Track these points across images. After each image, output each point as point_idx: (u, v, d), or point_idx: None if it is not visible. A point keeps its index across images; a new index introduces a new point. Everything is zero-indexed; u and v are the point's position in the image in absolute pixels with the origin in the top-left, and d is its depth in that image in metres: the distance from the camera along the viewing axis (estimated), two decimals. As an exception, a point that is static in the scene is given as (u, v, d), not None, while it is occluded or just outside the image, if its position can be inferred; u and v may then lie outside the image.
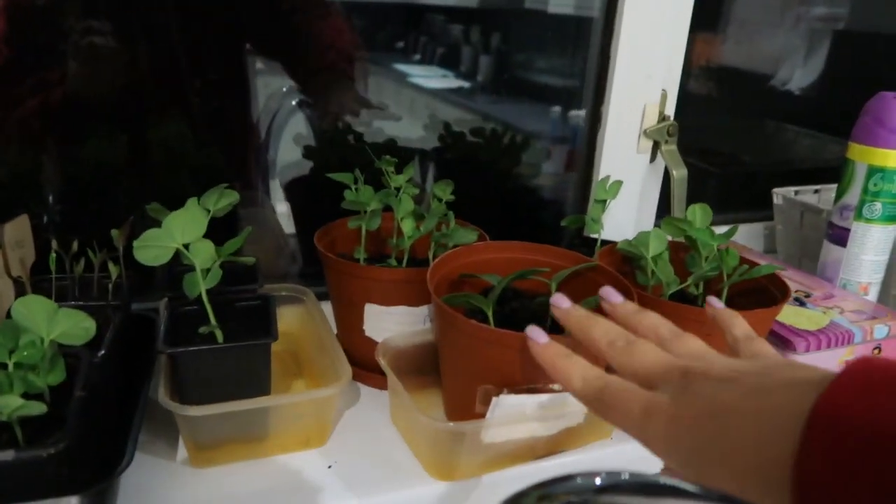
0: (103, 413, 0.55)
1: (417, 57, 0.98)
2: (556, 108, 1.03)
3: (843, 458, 0.29)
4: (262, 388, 0.58)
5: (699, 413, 0.35)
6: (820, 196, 1.05)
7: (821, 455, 0.29)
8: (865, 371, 0.31)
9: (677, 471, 0.36)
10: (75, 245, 0.64)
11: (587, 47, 0.93)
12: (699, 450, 0.34)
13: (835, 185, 0.90)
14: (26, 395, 0.44)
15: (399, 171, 0.73)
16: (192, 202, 0.57)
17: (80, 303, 0.61)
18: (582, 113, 0.97)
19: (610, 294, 0.47)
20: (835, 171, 0.90)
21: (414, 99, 1.01)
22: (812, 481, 0.29)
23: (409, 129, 0.97)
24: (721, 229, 0.70)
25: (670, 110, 0.92)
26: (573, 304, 0.46)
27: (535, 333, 0.45)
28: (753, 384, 0.34)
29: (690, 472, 0.36)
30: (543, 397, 0.57)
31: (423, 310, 0.69)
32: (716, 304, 0.48)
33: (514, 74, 1.01)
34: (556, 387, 0.58)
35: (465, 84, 1.01)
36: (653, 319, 0.44)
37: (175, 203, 0.57)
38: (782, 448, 0.31)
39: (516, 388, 0.56)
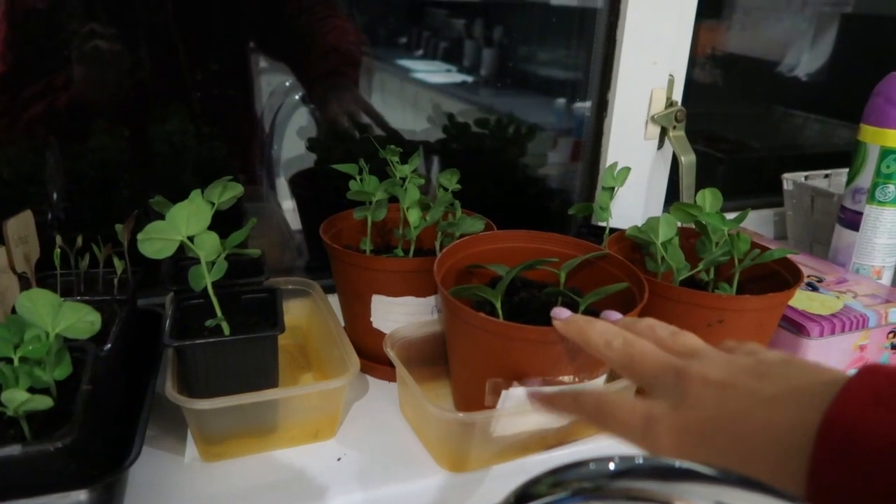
0: (110, 407, 0.54)
1: (420, 52, 0.97)
2: (561, 100, 1.02)
3: (857, 470, 0.28)
4: (270, 381, 0.58)
5: (703, 426, 0.35)
6: (830, 180, 1.03)
7: (834, 468, 0.29)
8: (872, 380, 0.30)
9: None
10: (80, 240, 0.64)
11: (591, 36, 0.92)
12: (708, 462, 0.34)
13: (845, 170, 0.89)
14: (32, 390, 0.44)
15: (404, 161, 0.72)
16: (195, 194, 0.56)
17: (86, 298, 0.61)
18: (587, 104, 0.96)
19: (609, 315, 0.50)
20: (844, 156, 0.88)
21: (418, 93, 1.00)
22: (827, 494, 0.29)
23: (414, 122, 0.97)
24: (731, 215, 0.69)
25: (678, 96, 0.91)
26: (572, 313, 0.49)
27: (558, 312, 0.49)
28: (757, 392, 0.34)
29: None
30: (553, 389, 0.56)
31: (431, 300, 0.68)
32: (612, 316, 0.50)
33: (518, 67, 1.00)
34: (566, 378, 0.57)
35: (469, 78, 1.01)
36: (649, 321, 0.44)
37: (180, 198, 0.56)
38: (795, 463, 0.30)
39: (526, 381, 0.56)
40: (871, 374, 0.30)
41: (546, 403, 0.44)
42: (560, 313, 0.49)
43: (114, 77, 0.78)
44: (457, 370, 0.63)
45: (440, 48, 0.99)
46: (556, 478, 0.39)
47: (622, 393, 0.39)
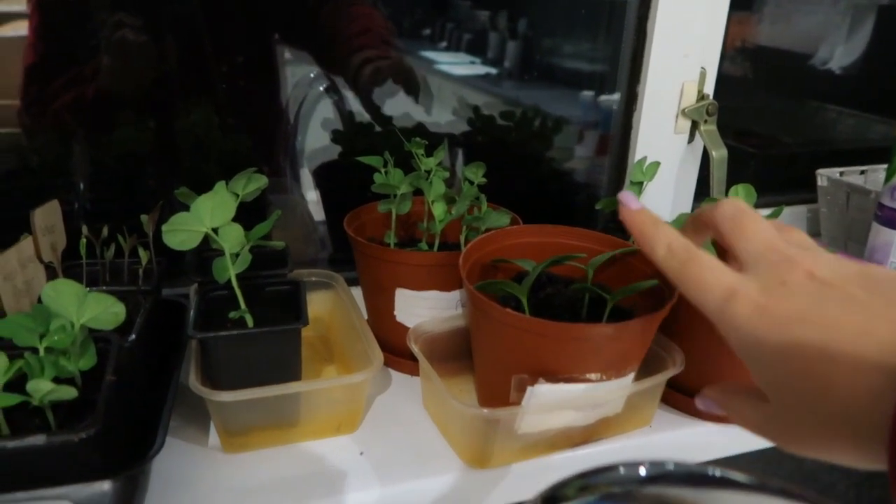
0: (134, 398, 0.54)
1: (444, 44, 0.96)
2: (587, 93, 1.01)
3: None
4: (293, 374, 0.58)
5: (790, 316, 0.31)
6: (866, 177, 1.00)
7: None
8: None
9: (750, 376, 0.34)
10: (105, 231, 0.64)
11: (621, 28, 0.90)
12: (779, 356, 0.31)
13: (882, 166, 0.86)
14: (57, 380, 0.44)
15: (429, 153, 0.71)
16: (220, 186, 0.56)
17: (111, 288, 0.61)
18: (615, 97, 0.94)
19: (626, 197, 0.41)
20: (879, 152, 0.86)
21: (441, 86, 0.99)
22: None
23: (438, 114, 0.96)
24: (764, 212, 0.67)
25: (709, 89, 0.89)
26: (644, 206, 0.41)
27: (628, 198, 0.40)
28: (860, 300, 0.30)
29: (762, 377, 0.33)
30: (580, 387, 0.55)
31: (455, 294, 0.67)
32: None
33: (543, 60, 0.99)
34: (592, 376, 0.56)
35: (493, 70, 0.99)
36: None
37: (204, 189, 0.56)
38: (881, 380, 0.28)
39: (552, 378, 0.55)
40: None
41: (635, 225, 0.39)
42: (630, 202, 0.40)
43: (140, 68, 0.78)
44: (481, 366, 0.62)
45: (464, 40, 0.98)
46: (585, 481, 0.38)
47: (715, 260, 0.35)
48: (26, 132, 0.77)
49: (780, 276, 0.33)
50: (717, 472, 0.36)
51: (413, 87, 0.90)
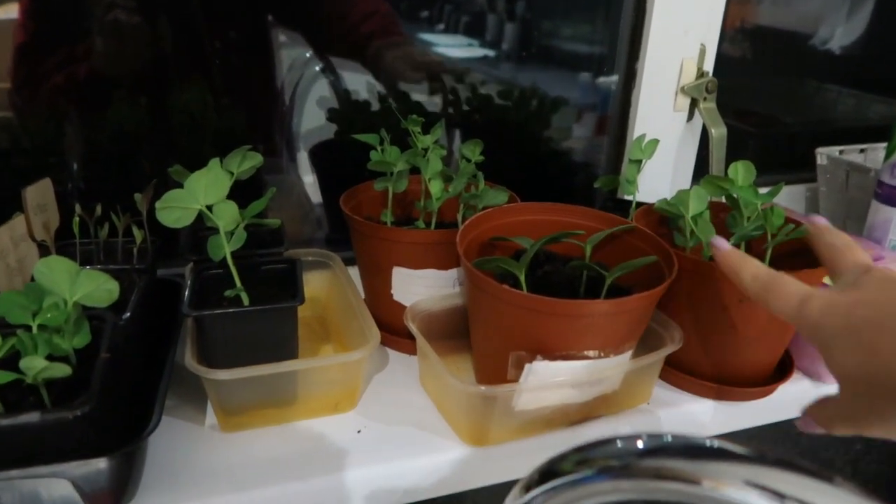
0: (129, 376, 0.54)
1: (442, 26, 0.95)
2: (585, 75, 1.00)
3: None
4: (290, 352, 0.57)
5: (856, 302, 0.36)
6: (866, 155, 1.00)
7: None
8: None
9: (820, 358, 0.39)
10: (99, 209, 0.63)
11: (620, 4, 0.89)
12: (847, 339, 0.36)
13: (882, 145, 0.86)
14: (51, 358, 0.43)
15: (426, 132, 0.70)
16: (214, 163, 0.55)
17: (105, 267, 0.61)
18: (613, 78, 0.93)
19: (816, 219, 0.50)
20: (879, 131, 0.85)
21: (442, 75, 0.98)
22: None
23: (435, 95, 0.95)
24: (762, 190, 0.66)
25: (709, 66, 0.88)
26: (734, 249, 0.49)
27: (719, 242, 0.50)
28: None
29: (834, 363, 0.37)
30: (578, 364, 0.55)
31: (453, 273, 0.67)
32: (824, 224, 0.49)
33: (541, 41, 0.98)
34: (591, 353, 0.56)
35: (490, 53, 0.98)
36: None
37: (199, 168, 0.55)
38: None
39: (550, 355, 0.55)
40: None
41: (726, 260, 0.48)
42: (721, 244, 0.50)
43: (133, 48, 0.77)
44: (478, 344, 0.62)
45: (462, 22, 0.97)
46: (583, 455, 0.38)
47: (794, 279, 0.43)
48: (18, 113, 0.77)
49: (858, 281, 0.38)
50: (716, 444, 0.35)
51: (434, 77, 0.90)
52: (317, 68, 0.92)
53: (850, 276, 0.40)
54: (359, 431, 0.59)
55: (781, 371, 0.69)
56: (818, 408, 0.41)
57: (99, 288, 0.45)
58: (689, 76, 0.87)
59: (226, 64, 0.82)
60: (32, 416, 0.41)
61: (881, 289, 0.36)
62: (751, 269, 0.46)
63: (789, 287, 0.42)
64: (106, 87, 0.78)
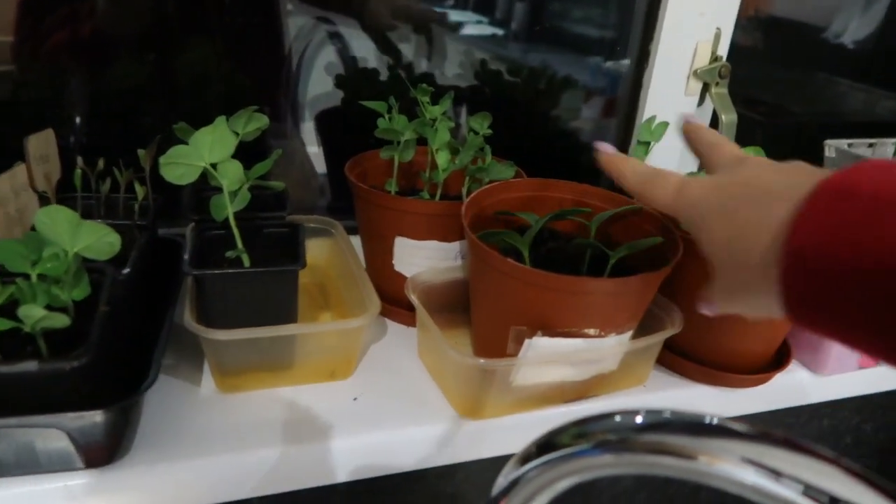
0: (127, 332, 0.54)
1: (451, 1, 0.93)
2: (594, 58, 0.98)
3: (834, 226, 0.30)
4: (289, 316, 0.57)
5: (731, 182, 0.38)
6: (875, 150, 0.99)
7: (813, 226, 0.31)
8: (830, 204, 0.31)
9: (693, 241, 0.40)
10: (101, 163, 0.62)
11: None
12: (717, 213, 0.37)
13: (891, 140, 0.85)
14: (50, 309, 0.43)
15: (434, 102, 0.69)
16: (220, 120, 0.54)
17: (106, 221, 0.60)
18: (623, 62, 0.92)
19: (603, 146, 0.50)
20: (888, 126, 0.84)
21: (447, 43, 0.97)
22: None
23: (445, 67, 0.93)
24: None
25: (723, 51, 0.87)
26: (618, 152, 0.49)
27: (603, 146, 0.49)
28: (782, 170, 0.37)
29: (706, 239, 0.38)
30: (577, 342, 0.55)
31: (455, 246, 0.66)
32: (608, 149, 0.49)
33: (551, 22, 0.96)
34: (591, 331, 0.56)
35: (499, 31, 0.97)
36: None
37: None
38: (783, 228, 0.32)
39: (551, 332, 0.54)
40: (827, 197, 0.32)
41: (610, 162, 0.47)
42: (605, 147, 0.49)
43: (138, 8, 0.76)
44: (479, 317, 0.62)
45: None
46: (581, 429, 0.37)
47: (674, 173, 0.43)
48: (20, 66, 0.75)
49: (731, 168, 0.40)
50: (715, 421, 0.35)
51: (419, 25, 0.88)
52: (324, 33, 0.90)
53: (727, 166, 0.41)
54: (355, 399, 0.59)
55: (779, 360, 0.69)
56: (704, 291, 0.42)
57: (100, 240, 0.45)
58: (703, 60, 0.86)
59: (233, 24, 0.81)
60: (30, 365, 0.41)
61: (756, 170, 0.37)
62: (633, 166, 0.46)
63: (669, 178, 0.42)
64: (111, 44, 0.76)
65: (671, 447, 0.34)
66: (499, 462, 0.56)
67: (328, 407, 0.58)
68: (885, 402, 0.89)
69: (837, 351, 0.70)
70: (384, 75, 0.88)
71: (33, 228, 0.46)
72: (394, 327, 0.70)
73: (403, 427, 0.57)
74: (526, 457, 0.38)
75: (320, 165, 0.93)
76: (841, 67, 1.26)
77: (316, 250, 0.73)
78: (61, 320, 0.41)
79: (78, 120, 0.77)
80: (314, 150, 0.92)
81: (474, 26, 0.96)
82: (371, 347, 0.66)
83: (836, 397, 0.75)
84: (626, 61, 0.92)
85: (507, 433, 0.59)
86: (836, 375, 0.72)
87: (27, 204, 0.54)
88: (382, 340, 0.68)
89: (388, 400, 0.60)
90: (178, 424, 0.54)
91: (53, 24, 0.74)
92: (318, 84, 0.90)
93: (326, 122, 0.90)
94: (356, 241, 0.72)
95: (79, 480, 0.48)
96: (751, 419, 0.68)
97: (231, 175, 0.53)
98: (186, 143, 0.53)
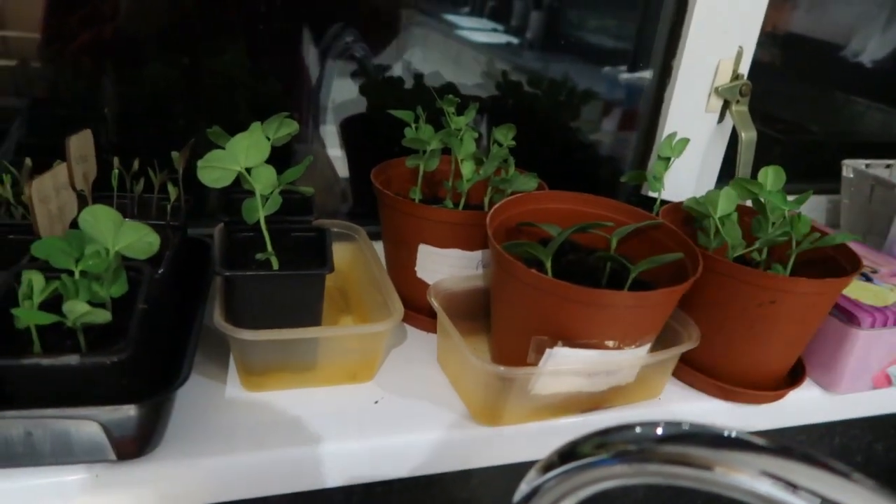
0: (161, 330, 0.55)
1: (467, 9, 0.94)
2: (611, 69, 0.99)
3: None
4: (315, 319, 0.58)
5: None
6: (892, 171, 1.00)
7: None
8: None
9: None
10: (136, 164, 0.64)
11: (652, 3, 0.89)
12: None
13: (910, 161, 0.86)
14: (90, 304, 0.45)
15: (459, 113, 0.71)
16: (255, 126, 0.56)
17: (140, 221, 0.61)
18: (642, 74, 0.93)
19: None
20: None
21: (460, 51, 0.98)
22: None
23: (465, 77, 0.95)
24: (790, 197, 0.67)
25: (744, 69, 0.88)
26: None
27: None
28: None
29: None
30: (596, 353, 0.56)
31: (477, 255, 0.68)
32: None
33: (568, 32, 0.97)
34: (610, 343, 0.57)
35: (514, 40, 0.97)
36: None
37: (231, 131, 0.56)
38: None
39: (570, 342, 0.55)
40: None
41: None
42: None
43: (159, 10, 0.77)
44: (499, 326, 0.63)
45: (487, 5, 0.96)
46: (602, 439, 0.38)
47: None
48: (49, 65, 0.77)
49: None
50: (734, 434, 0.36)
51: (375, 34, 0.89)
52: (348, 40, 0.92)
53: None
54: (376, 402, 0.60)
55: (793, 378, 0.70)
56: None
57: (141, 240, 0.46)
58: (725, 77, 0.87)
59: (265, 30, 0.82)
60: (72, 359, 0.42)
61: None
62: None
63: None
64: (136, 47, 0.78)
65: (690, 458, 0.35)
66: (514, 469, 0.57)
67: (350, 408, 0.59)
68: (897, 422, 0.90)
69: (851, 370, 0.70)
70: (409, 84, 0.89)
71: (71, 226, 0.48)
72: (413, 333, 0.71)
73: (423, 431, 0.58)
74: (548, 465, 0.39)
75: (341, 168, 0.94)
76: (859, 86, 1.27)
77: (338, 254, 0.74)
78: (104, 316, 0.43)
79: (111, 120, 0.79)
80: (335, 152, 0.94)
81: (489, 34, 0.97)
82: (392, 352, 0.67)
83: (849, 416, 0.76)
84: (647, 73, 0.93)
85: (524, 441, 0.60)
86: (850, 395, 0.73)
87: (67, 202, 0.55)
88: (403, 346, 0.69)
89: (408, 404, 0.61)
90: (204, 421, 0.55)
91: (76, 26, 0.76)
92: (342, 90, 0.91)
93: (351, 129, 0.91)
94: (377, 247, 0.74)
95: (109, 471, 0.49)
96: (763, 435, 0.69)
97: (264, 179, 0.55)
98: (219, 147, 0.54)
